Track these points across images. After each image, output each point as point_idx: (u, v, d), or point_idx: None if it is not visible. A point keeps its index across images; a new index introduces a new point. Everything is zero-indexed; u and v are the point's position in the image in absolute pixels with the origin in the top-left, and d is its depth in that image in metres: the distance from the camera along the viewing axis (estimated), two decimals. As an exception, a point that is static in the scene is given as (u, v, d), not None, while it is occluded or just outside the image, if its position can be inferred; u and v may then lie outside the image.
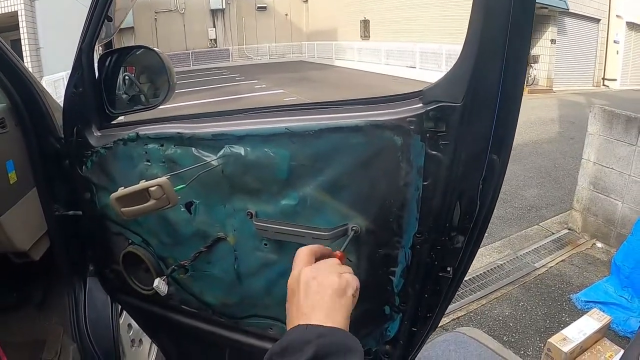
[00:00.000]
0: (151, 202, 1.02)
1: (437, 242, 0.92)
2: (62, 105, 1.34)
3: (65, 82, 1.33)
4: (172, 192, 1.02)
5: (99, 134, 1.26)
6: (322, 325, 0.65)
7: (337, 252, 0.84)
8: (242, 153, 1.01)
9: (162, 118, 1.19)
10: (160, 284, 1.22)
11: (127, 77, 1.46)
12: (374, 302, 1.05)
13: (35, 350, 1.59)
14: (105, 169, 1.26)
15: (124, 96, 1.45)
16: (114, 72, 1.34)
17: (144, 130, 1.16)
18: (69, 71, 1.27)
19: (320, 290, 0.69)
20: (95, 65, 1.26)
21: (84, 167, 1.30)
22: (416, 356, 1.09)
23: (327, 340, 0.62)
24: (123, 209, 1.06)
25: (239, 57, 22.31)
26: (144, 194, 1.02)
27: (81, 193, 1.35)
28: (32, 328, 1.65)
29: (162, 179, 1.02)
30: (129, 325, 1.98)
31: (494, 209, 0.88)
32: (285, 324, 1.03)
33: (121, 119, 1.39)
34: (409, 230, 0.92)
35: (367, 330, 1.09)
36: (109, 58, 1.31)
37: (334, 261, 0.76)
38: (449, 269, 0.95)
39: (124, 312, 1.90)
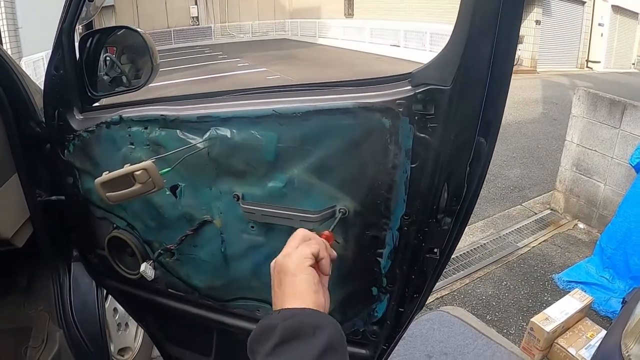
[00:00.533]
0: (136, 186, 1.02)
1: (424, 224, 0.93)
2: (42, 87, 1.31)
3: (45, 63, 1.30)
4: (157, 176, 1.01)
5: (81, 117, 1.24)
6: (291, 308, 0.66)
7: (325, 231, 0.84)
8: (228, 135, 1.01)
9: (146, 100, 1.18)
10: (147, 269, 1.22)
11: (108, 58, 1.43)
12: (361, 284, 1.06)
13: (22, 338, 1.58)
14: (88, 153, 1.24)
15: (106, 78, 1.43)
16: (96, 53, 1.32)
17: (127, 112, 1.14)
18: (49, 52, 1.24)
19: (286, 273, 0.70)
20: (76, 46, 1.23)
21: (66, 151, 1.28)
22: (402, 335, 1.12)
23: (293, 322, 0.63)
24: (108, 194, 1.05)
25: (221, 35, 21.95)
26: (129, 178, 1.02)
27: (63, 178, 1.34)
28: (17, 315, 1.64)
29: (148, 163, 1.01)
30: (115, 310, 1.99)
31: (480, 191, 0.90)
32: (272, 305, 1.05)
33: (103, 101, 1.37)
34: (397, 212, 0.94)
35: (355, 311, 1.11)
36: (90, 39, 1.29)
37: (303, 236, 0.75)
38: (435, 250, 0.96)
39: (110, 296, 1.90)
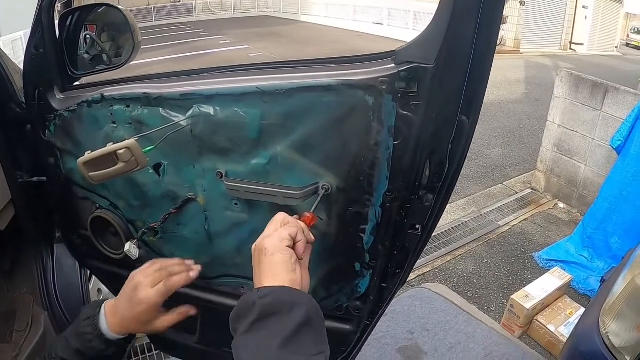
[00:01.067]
0: (119, 165, 1.01)
1: (407, 201, 0.95)
2: (21, 67, 1.29)
3: (24, 43, 1.28)
4: (140, 154, 1.01)
5: (62, 96, 1.23)
6: (268, 286, 0.69)
7: (307, 213, 0.87)
8: (212, 113, 1.01)
9: (128, 78, 1.16)
10: (131, 248, 1.22)
11: (88, 37, 1.41)
12: (345, 260, 1.09)
13: (7, 322, 1.57)
14: (69, 133, 1.22)
15: (86, 56, 1.41)
16: (76, 32, 1.29)
17: (109, 91, 1.12)
18: (28, 31, 1.22)
19: (263, 255, 0.74)
20: (56, 25, 1.21)
21: (47, 131, 1.26)
22: (385, 310, 1.15)
23: (269, 299, 0.66)
24: (91, 174, 1.05)
25: (202, 12, 21.52)
26: (112, 157, 1.01)
27: (45, 158, 1.32)
28: (1, 299, 1.62)
29: (130, 141, 1.01)
30: (99, 290, 1.99)
31: (462, 168, 0.92)
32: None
33: (84, 80, 1.36)
34: (380, 189, 0.95)
35: (339, 286, 1.14)
36: (70, 17, 1.26)
37: (281, 220, 0.79)
38: (417, 226, 0.99)
39: (93, 277, 1.90)
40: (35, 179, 1.41)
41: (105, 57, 1.48)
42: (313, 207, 0.92)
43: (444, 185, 0.92)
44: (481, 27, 0.77)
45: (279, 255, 0.72)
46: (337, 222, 1.03)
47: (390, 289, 1.09)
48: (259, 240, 0.76)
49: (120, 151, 1.00)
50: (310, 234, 0.81)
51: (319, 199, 0.96)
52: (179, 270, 0.99)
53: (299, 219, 0.85)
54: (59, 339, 0.94)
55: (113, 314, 0.90)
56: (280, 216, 0.80)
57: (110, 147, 1.01)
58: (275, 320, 0.64)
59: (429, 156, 0.89)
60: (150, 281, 0.92)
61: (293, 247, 0.75)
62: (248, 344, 0.64)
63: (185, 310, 0.98)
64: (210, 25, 13.97)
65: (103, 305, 0.92)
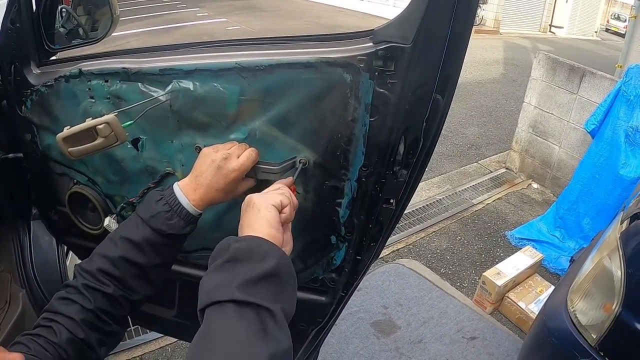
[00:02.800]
0: (99, 141, 1.02)
1: (382, 176, 0.99)
2: None
3: None
4: (120, 129, 1.02)
5: (38, 71, 1.22)
6: (247, 235, 0.74)
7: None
8: (191, 88, 1.02)
9: (106, 53, 1.16)
10: (111, 222, 1.23)
11: (64, 10, 1.39)
12: (321, 232, 1.13)
13: (-15, 301, 1.57)
14: (46, 108, 1.22)
15: (62, 30, 1.40)
16: (52, 5, 1.28)
17: (87, 66, 1.12)
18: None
19: (248, 209, 0.79)
20: None
21: (23, 107, 1.25)
22: (359, 283, 1.20)
23: (243, 244, 0.71)
24: (70, 149, 1.05)
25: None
26: (91, 133, 1.02)
27: (21, 134, 1.31)
28: None
29: (110, 116, 1.02)
30: (76, 266, 1.99)
31: (435, 145, 0.96)
32: None
33: (60, 55, 1.34)
34: (356, 164, 0.99)
35: (315, 259, 1.18)
36: None
37: (273, 187, 0.87)
38: (392, 201, 1.03)
39: (70, 254, 1.90)
40: (10, 155, 1.40)
41: (81, 31, 1.47)
42: (294, 178, 0.96)
43: (417, 161, 0.96)
44: (458, 9, 0.81)
45: (264, 211, 0.77)
46: (314, 195, 1.07)
47: (364, 261, 1.14)
48: (254, 195, 0.81)
49: (100, 126, 1.01)
50: (295, 199, 0.87)
51: (297, 173, 0.99)
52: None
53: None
54: (126, 223, 0.97)
55: (194, 190, 0.93)
56: (277, 184, 0.88)
57: (90, 122, 1.02)
58: (244, 265, 0.68)
59: (404, 133, 0.93)
60: (235, 152, 0.95)
61: (281, 212, 0.80)
62: (212, 280, 0.69)
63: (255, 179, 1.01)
64: (187, -3, 13.63)
65: (175, 185, 0.94)
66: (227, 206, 1.14)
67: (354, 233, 1.11)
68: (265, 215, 0.77)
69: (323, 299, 1.26)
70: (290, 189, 0.90)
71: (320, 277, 1.21)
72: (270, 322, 0.65)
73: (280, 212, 0.80)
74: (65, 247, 1.72)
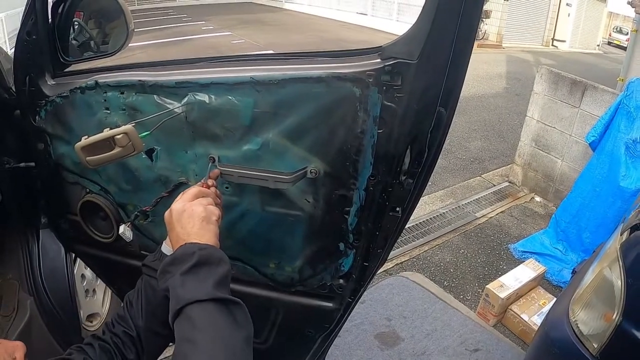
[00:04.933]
0: (117, 150, 1.07)
1: (389, 185, 1.06)
2: (6, 51, 1.30)
3: (5, 25, 1.29)
4: (137, 139, 1.07)
5: (53, 82, 1.26)
6: (202, 243, 0.86)
7: (204, 182, 1.02)
8: (206, 100, 1.08)
9: (121, 66, 1.21)
10: (125, 231, 1.26)
11: (76, 23, 1.44)
12: (330, 240, 1.19)
13: (-8, 307, 1.59)
14: (61, 118, 1.26)
15: (74, 42, 1.44)
16: (68, 19, 1.33)
17: (103, 78, 1.17)
18: (8, 12, 1.24)
19: (191, 219, 0.90)
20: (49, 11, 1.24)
21: (37, 117, 1.29)
22: (366, 289, 1.24)
23: (206, 252, 0.84)
24: (88, 158, 1.09)
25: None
26: (109, 142, 1.06)
27: (34, 144, 1.35)
28: None
29: (128, 127, 1.06)
30: (83, 276, 2.01)
31: (439, 155, 1.02)
32: (245, 263, 1.23)
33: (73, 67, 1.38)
34: (364, 174, 1.06)
35: (323, 265, 1.24)
36: (63, 4, 1.29)
37: (196, 193, 0.96)
38: (397, 209, 1.10)
39: (77, 263, 1.93)
40: (22, 164, 1.44)
41: (92, 44, 1.51)
42: (205, 178, 1.05)
43: (422, 170, 1.03)
44: (460, 27, 0.87)
45: (211, 225, 0.90)
46: (324, 204, 1.13)
47: (371, 267, 1.20)
48: (178, 204, 0.93)
49: (118, 136, 1.05)
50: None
51: (208, 169, 1.08)
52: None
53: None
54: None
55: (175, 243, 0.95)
56: (194, 189, 0.97)
57: (109, 132, 1.07)
58: (207, 269, 0.81)
59: (410, 144, 1.00)
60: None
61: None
62: (186, 282, 0.80)
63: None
64: (193, 11, 13.78)
65: (163, 244, 1.00)
66: (238, 215, 1.20)
67: (361, 240, 1.16)
68: (213, 228, 0.90)
69: (330, 305, 1.31)
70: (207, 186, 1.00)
71: (329, 284, 1.27)
72: (238, 312, 0.79)
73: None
74: (73, 256, 1.75)
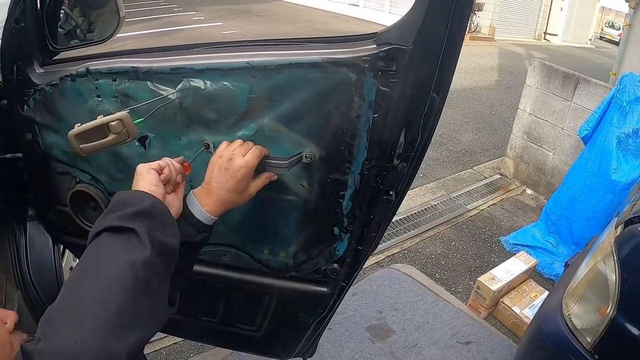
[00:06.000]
0: (111, 137, 1.07)
1: (383, 168, 1.09)
2: None
3: None
4: (132, 126, 1.07)
5: (42, 70, 1.25)
6: (126, 191, 0.90)
7: (186, 162, 1.03)
8: (201, 86, 1.09)
9: (112, 52, 1.21)
10: None
11: (62, 11, 1.43)
12: (324, 224, 1.21)
13: (-21, 301, 1.59)
14: (50, 107, 1.25)
15: (60, 30, 1.43)
16: (56, 6, 1.32)
17: (94, 65, 1.17)
18: None
19: (135, 177, 0.93)
20: None
21: (25, 106, 1.28)
22: (359, 273, 1.26)
23: (123, 195, 0.87)
24: (82, 146, 1.09)
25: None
26: (103, 130, 1.06)
27: (21, 134, 1.33)
28: None
29: (122, 113, 1.06)
30: (71, 268, 2.01)
31: (431, 139, 1.05)
32: (239, 249, 1.27)
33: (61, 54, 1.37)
34: (359, 158, 1.08)
35: (318, 250, 1.26)
36: None
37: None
38: (391, 192, 1.13)
39: (65, 256, 1.93)
40: (8, 155, 1.44)
41: (78, 31, 1.50)
42: (192, 159, 1.06)
43: (415, 154, 1.06)
44: (454, 15, 0.91)
45: (144, 174, 0.91)
46: (319, 188, 1.15)
47: (365, 251, 1.24)
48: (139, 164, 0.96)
49: (113, 123, 1.05)
50: (178, 165, 1.00)
51: (197, 154, 1.09)
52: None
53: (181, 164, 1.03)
54: None
55: (207, 194, 0.99)
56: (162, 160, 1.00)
57: (103, 119, 1.06)
58: (122, 208, 0.83)
59: (403, 128, 1.02)
60: (240, 151, 1.01)
61: (160, 173, 0.94)
62: (97, 222, 0.83)
63: (269, 175, 1.08)
64: (184, 1, 13.67)
65: (190, 193, 1.01)
66: None
67: (355, 224, 1.19)
68: (145, 176, 0.91)
69: (324, 289, 1.34)
70: (186, 167, 1.02)
71: (323, 268, 1.29)
72: (136, 240, 0.79)
73: (160, 173, 0.93)
74: (61, 248, 1.74)
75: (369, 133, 1.04)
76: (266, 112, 1.08)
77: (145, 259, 0.78)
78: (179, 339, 2.42)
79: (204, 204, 0.98)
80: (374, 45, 0.97)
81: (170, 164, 0.97)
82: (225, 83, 1.07)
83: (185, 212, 0.98)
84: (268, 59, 1.02)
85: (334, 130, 1.05)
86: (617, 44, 10.35)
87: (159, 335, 2.35)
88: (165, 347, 2.40)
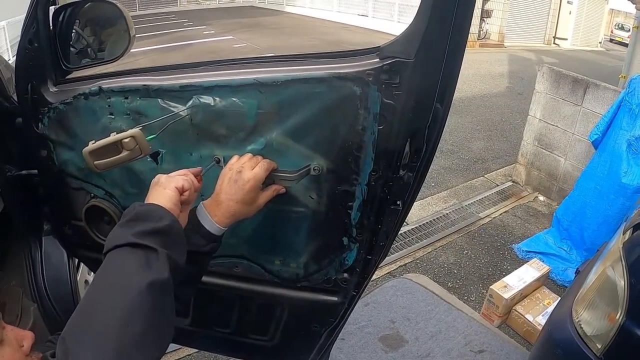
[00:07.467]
0: (124, 154, 1.11)
1: (389, 179, 1.12)
2: (6, 60, 1.31)
3: (7, 33, 1.32)
4: (144, 142, 1.11)
5: (55, 89, 1.29)
6: (148, 203, 0.91)
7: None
8: (211, 103, 1.13)
9: (123, 71, 1.25)
10: None
11: (74, 31, 1.46)
12: (334, 234, 1.24)
13: (-4, 314, 1.61)
14: (64, 125, 1.29)
15: (72, 50, 1.47)
16: (68, 26, 1.36)
17: (106, 83, 1.21)
18: (10, 20, 1.27)
19: (152, 187, 0.96)
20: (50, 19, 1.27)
21: (40, 124, 1.32)
22: (370, 283, 1.28)
23: (144, 208, 0.88)
24: (96, 162, 1.12)
25: (187, 2, 21.27)
26: (116, 146, 1.10)
27: (36, 151, 1.37)
28: None
29: (135, 130, 1.10)
30: (86, 282, 2.05)
31: (436, 149, 1.08)
32: (251, 261, 1.29)
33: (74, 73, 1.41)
34: (365, 169, 1.11)
35: (328, 260, 1.29)
36: (64, 12, 1.32)
37: (180, 172, 1.01)
38: (398, 202, 1.16)
39: (80, 270, 1.96)
40: (24, 172, 1.47)
41: (90, 51, 1.54)
42: (203, 173, 1.08)
43: (421, 164, 1.09)
44: (454, 27, 0.94)
45: (167, 190, 0.93)
46: (327, 200, 1.18)
47: (374, 260, 1.26)
48: (160, 174, 0.98)
49: (126, 140, 1.09)
50: (197, 184, 1.02)
51: (208, 167, 1.12)
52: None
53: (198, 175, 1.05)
54: None
55: (216, 206, 1.03)
56: (183, 171, 1.02)
57: (116, 136, 1.10)
58: (142, 223, 0.84)
59: (408, 139, 1.06)
60: (249, 164, 1.05)
61: (182, 194, 0.96)
62: (115, 232, 0.85)
63: (277, 187, 1.11)
64: (194, 15, 13.91)
65: (200, 205, 1.04)
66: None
67: (364, 234, 1.22)
68: (168, 193, 0.93)
69: (335, 299, 1.36)
70: (197, 179, 1.03)
71: (333, 278, 1.32)
72: (155, 259, 0.80)
73: (181, 194, 0.95)
74: (76, 262, 1.77)
75: (374, 145, 1.07)
76: (274, 126, 1.11)
77: (164, 279, 0.80)
78: (193, 350, 2.44)
79: (213, 215, 1.02)
80: (377, 59, 1.00)
81: (192, 183, 1.00)
82: (234, 99, 1.11)
83: (195, 222, 1.02)
84: (275, 75, 1.06)
85: (341, 143, 1.09)
86: (627, 46, 10.28)
87: (174, 346, 2.38)
88: (180, 358, 2.43)
